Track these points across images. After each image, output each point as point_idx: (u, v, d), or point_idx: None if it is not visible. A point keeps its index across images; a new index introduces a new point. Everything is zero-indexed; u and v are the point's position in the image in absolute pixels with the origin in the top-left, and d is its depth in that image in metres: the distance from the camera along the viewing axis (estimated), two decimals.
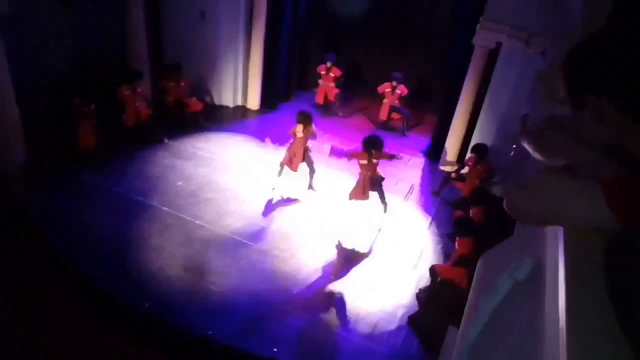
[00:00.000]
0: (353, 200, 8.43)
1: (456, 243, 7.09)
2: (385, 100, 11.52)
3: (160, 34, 11.20)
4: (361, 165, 8.28)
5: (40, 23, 9.09)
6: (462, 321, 2.05)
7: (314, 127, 8.92)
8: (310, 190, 9.15)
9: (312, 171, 9.07)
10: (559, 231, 1.30)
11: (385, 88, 11.44)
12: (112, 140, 9.55)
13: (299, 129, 8.65)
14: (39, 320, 6.47)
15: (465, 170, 9.32)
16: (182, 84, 10.50)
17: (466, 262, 6.82)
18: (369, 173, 8.26)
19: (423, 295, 7.24)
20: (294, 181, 9.12)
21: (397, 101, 11.48)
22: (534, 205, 1.26)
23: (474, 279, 2.18)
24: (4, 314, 6.52)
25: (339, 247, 8.07)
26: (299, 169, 8.95)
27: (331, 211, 8.78)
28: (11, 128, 8.23)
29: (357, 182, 8.38)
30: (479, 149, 8.82)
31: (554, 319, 1.10)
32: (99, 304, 6.78)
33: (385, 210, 8.66)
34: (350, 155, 8.42)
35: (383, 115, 11.65)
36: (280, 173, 9.00)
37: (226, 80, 11.55)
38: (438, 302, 7.06)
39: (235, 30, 11.01)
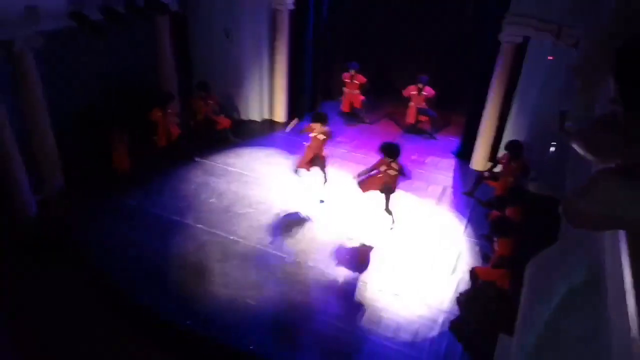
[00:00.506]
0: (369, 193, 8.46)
1: (495, 244, 6.93)
2: (411, 103, 11.42)
3: (187, 54, 11.45)
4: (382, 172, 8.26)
5: (73, 52, 9.43)
6: (516, 331, 1.99)
7: (328, 128, 8.98)
8: (321, 193, 9.25)
9: (324, 175, 9.14)
10: (619, 233, 1.24)
11: (411, 91, 11.35)
12: (146, 162, 9.76)
13: (315, 127, 8.78)
14: (83, 339, 6.64)
15: (498, 168, 9.12)
16: (210, 102, 10.68)
17: (506, 263, 6.67)
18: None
19: (464, 300, 7.10)
20: (328, 191, 9.12)
21: (423, 103, 11.37)
22: (594, 211, 1.21)
23: (524, 286, 2.11)
24: (51, 333, 6.71)
25: (375, 254, 8.00)
26: (312, 168, 9.09)
27: (364, 220, 8.72)
28: (49, 156, 8.54)
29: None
30: (513, 146, 8.59)
31: (622, 328, 1.04)
32: (142, 323, 6.90)
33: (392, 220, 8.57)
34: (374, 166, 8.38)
35: (410, 118, 11.56)
36: (297, 173, 9.15)
37: (252, 95, 11.69)
38: (480, 306, 6.92)
39: (259, 46, 11.15)
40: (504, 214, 7.67)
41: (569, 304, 1.48)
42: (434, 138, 11.59)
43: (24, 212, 8.26)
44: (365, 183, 8.36)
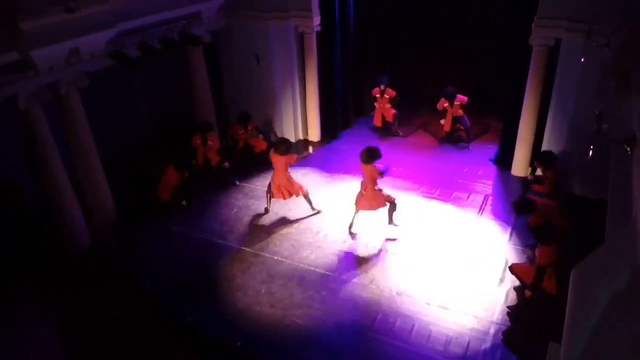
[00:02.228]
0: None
1: (536, 251, 6.75)
2: (447, 113, 11.41)
3: (220, 82, 11.84)
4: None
5: (115, 88, 9.95)
6: (563, 339, 1.98)
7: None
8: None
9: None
10: None
11: (443, 104, 11.35)
12: (188, 189, 10.10)
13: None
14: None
15: (538, 171, 8.98)
16: (250, 127, 11.05)
17: (545, 271, 6.48)
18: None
19: (514, 310, 6.94)
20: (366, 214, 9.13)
21: (460, 111, 11.36)
22: None
23: (569, 292, 2.11)
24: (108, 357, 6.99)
25: (419, 268, 7.94)
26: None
27: (407, 234, 8.70)
28: (100, 188, 8.95)
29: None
30: (542, 157, 8.74)
31: None
32: (195, 345, 7.08)
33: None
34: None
35: (447, 126, 11.54)
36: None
37: (286, 117, 11.92)
38: (530, 315, 6.75)
39: (289, 68, 11.42)
40: (547, 221, 7.48)
41: (613, 310, 1.48)
42: (468, 148, 11.47)
43: (77, 243, 8.66)
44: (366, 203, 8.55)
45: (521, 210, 7.39)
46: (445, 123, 11.52)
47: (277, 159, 8.92)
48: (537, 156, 8.93)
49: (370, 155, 8.29)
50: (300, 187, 9.23)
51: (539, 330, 6.37)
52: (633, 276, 1.47)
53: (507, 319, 6.89)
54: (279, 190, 9.10)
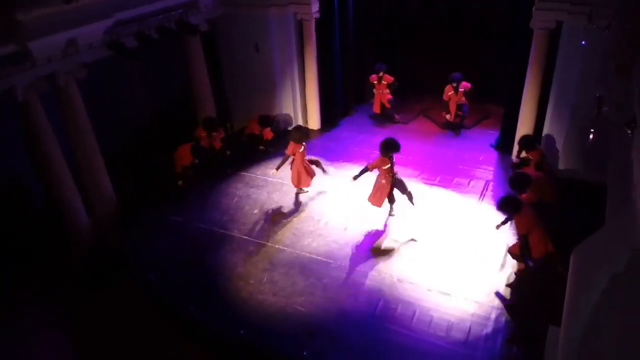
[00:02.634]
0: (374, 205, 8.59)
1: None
2: (451, 102, 11.27)
3: (219, 71, 11.77)
4: (384, 171, 8.35)
5: (114, 78, 9.92)
6: (563, 321, 1.99)
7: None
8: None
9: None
10: None
11: (448, 92, 11.22)
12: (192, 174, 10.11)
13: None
14: (142, 352, 6.97)
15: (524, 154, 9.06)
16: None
17: (527, 240, 6.83)
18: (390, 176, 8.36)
19: (512, 292, 7.02)
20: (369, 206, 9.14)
21: (463, 98, 11.21)
22: None
23: (569, 275, 2.11)
24: (112, 349, 7.04)
25: (421, 254, 7.96)
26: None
27: (407, 221, 8.70)
28: (101, 180, 8.96)
29: (379, 188, 8.45)
30: (524, 141, 8.84)
31: None
32: (197, 334, 7.13)
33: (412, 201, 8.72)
34: (371, 167, 8.47)
35: (452, 116, 11.40)
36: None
37: (286, 105, 11.88)
38: (529, 296, 6.83)
39: (288, 56, 11.35)
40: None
41: (613, 292, 1.48)
42: (459, 134, 11.45)
43: (80, 236, 8.68)
44: (376, 197, 8.52)
45: (518, 185, 7.49)
46: (451, 114, 11.34)
47: (289, 146, 9.20)
48: (519, 141, 9.11)
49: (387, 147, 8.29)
50: (306, 182, 9.36)
51: (537, 312, 6.45)
52: (632, 258, 1.47)
53: (506, 301, 6.93)
54: (292, 176, 9.38)
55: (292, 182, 9.43)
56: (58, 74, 7.73)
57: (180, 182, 9.88)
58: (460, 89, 11.09)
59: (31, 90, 7.41)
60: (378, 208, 8.62)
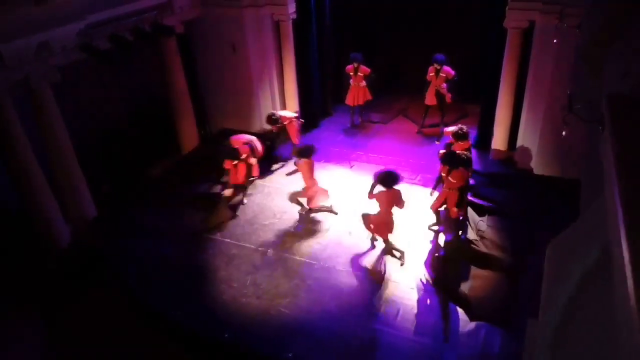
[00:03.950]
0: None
1: (451, 177, 7.75)
2: (430, 85, 10.86)
3: (195, 73, 11.67)
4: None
5: (89, 80, 9.77)
6: (540, 313, 2.03)
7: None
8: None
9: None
10: (620, 212, 1.28)
11: (430, 72, 10.84)
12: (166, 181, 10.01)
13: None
14: (125, 356, 6.87)
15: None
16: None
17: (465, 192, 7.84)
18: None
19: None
20: (347, 198, 9.19)
21: (443, 84, 10.76)
22: None
23: (545, 268, 2.15)
24: (86, 348, 6.95)
25: (401, 255, 8.01)
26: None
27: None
28: (77, 184, 8.80)
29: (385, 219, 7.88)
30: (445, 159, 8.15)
31: (626, 308, 1.08)
32: (181, 338, 7.06)
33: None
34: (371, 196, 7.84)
35: (429, 100, 10.99)
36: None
37: (265, 107, 11.83)
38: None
39: (266, 58, 11.33)
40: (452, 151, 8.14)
41: (585, 284, 1.52)
42: (438, 141, 11.00)
43: (56, 241, 8.52)
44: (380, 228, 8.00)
45: (449, 162, 7.83)
46: (428, 96, 10.94)
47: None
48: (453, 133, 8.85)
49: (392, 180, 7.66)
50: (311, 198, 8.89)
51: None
52: (602, 251, 1.51)
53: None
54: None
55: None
56: (31, 77, 7.57)
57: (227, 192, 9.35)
58: (441, 74, 10.64)
59: (3, 93, 7.24)
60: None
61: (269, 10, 10.78)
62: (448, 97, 10.84)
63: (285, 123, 10.32)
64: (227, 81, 11.53)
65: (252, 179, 9.76)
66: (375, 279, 7.61)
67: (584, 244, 1.63)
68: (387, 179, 7.56)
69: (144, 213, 9.40)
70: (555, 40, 7.43)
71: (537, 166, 9.60)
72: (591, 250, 1.57)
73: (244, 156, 9.14)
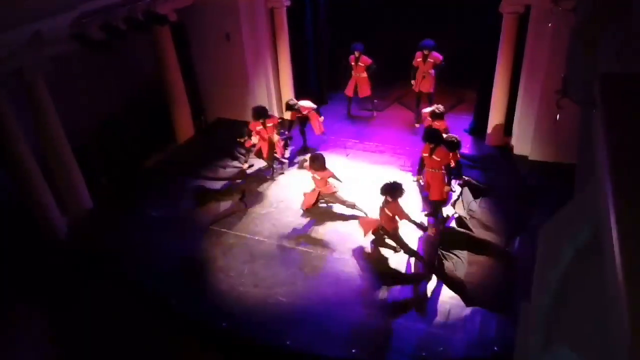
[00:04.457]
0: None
1: (436, 154, 7.95)
2: (418, 71, 10.75)
3: (189, 62, 11.60)
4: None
5: (83, 69, 9.69)
6: (532, 294, 2.04)
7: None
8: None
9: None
10: (609, 192, 1.28)
11: (417, 58, 10.78)
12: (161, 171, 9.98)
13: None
14: (127, 346, 6.88)
15: None
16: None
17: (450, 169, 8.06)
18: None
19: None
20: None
21: (431, 70, 10.65)
22: None
23: (537, 251, 2.16)
24: (98, 347, 6.96)
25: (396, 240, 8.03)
26: None
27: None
28: (73, 176, 8.77)
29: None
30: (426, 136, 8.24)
31: (615, 285, 1.09)
32: (181, 327, 7.08)
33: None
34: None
35: (416, 86, 10.89)
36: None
37: (260, 96, 11.76)
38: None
39: (261, 46, 11.25)
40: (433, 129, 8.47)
41: (576, 265, 1.52)
42: (417, 124, 10.94)
43: (53, 234, 8.51)
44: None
45: (430, 138, 8.02)
46: (415, 83, 10.84)
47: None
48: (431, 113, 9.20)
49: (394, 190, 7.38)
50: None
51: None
52: (594, 231, 1.51)
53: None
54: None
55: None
56: (24, 69, 7.51)
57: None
58: (429, 59, 10.56)
59: None
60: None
61: None
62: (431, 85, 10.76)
63: (305, 113, 10.24)
64: (221, 70, 11.46)
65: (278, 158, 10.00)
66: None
67: (576, 225, 1.63)
68: (392, 189, 7.32)
69: (140, 203, 9.37)
70: (550, 25, 7.39)
71: (533, 151, 9.60)
72: (583, 230, 1.57)
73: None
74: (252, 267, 7.77)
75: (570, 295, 1.53)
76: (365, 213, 8.48)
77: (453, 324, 6.59)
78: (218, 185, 9.83)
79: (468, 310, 6.74)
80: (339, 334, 6.56)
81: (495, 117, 10.09)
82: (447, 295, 7.00)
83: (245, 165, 10.20)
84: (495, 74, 9.63)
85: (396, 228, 7.49)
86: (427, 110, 9.13)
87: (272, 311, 7.01)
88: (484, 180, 9.21)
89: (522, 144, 9.77)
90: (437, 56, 10.60)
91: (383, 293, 7.14)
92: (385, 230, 7.59)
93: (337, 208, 8.85)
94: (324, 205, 8.98)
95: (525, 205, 8.40)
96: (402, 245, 7.56)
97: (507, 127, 10.10)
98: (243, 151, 10.52)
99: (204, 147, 11.05)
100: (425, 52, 10.58)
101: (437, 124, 8.87)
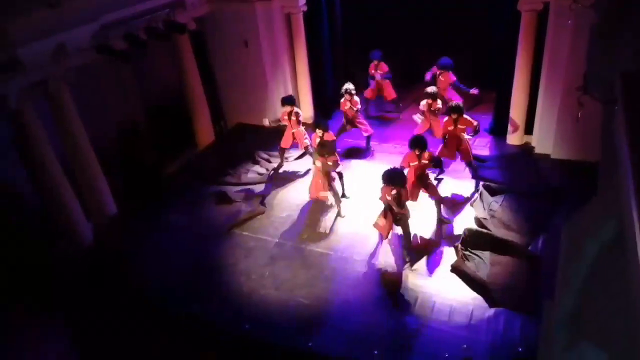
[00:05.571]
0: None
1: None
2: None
3: (210, 67, 11.77)
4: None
5: (105, 82, 9.91)
6: (556, 292, 2.03)
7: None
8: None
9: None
10: (632, 190, 1.28)
11: (430, 75, 10.82)
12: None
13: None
14: (148, 351, 6.99)
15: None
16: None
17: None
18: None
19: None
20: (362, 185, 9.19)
21: (448, 88, 10.61)
22: None
23: (562, 248, 2.15)
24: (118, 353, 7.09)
25: (416, 241, 8.00)
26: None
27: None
28: (97, 183, 8.96)
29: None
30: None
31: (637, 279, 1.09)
32: (202, 332, 7.17)
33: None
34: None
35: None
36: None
37: (278, 100, 11.82)
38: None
39: (278, 52, 11.35)
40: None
41: (600, 262, 1.51)
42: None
43: (79, 240, 8.69)
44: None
45: (418, 144, 8.04)
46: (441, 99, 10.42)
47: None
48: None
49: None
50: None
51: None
52: (617, 228, 1.51)
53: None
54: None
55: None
56: (49, 80, 7.72)
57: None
58: (440, 78, 10.54)
59: (23, 96, 7.40)
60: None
61: (279, 3, 10.79)
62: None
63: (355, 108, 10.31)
64: (240, 76, 11.60)
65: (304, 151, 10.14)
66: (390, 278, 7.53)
67: (600, 223, 1.63)
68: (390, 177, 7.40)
69: (162, 209, 9.52)
70: (569, 22, 7.30)
71: (555, 150, 9.47)
72: (606, 227, 1.56)
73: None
74: (273, 270, 7.82)
75: (594, 293, 1.53)
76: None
77: (476, 325, 6.53)
78: (239, 189, 9.92)
79: (491, 311, 6.68)
80: (360, 336, 6.55)
81: (516, 116, 9.98)
82: (470, 297, 6.94)
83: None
84: (514, 72, 9.53)
85: (405, 215, 7.52)
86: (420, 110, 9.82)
87: (293, 314, 7.04)
88: (504, 179, 9.13)
89: (544, 142, 9.65)
90: (450, 77, 10.52)
91: (405, 295, 7.11)
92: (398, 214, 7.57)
93: (360, 211, 8.84)
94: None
95: (547, 204, 8.30)
96: (407, 235, 7.64)
97: (527, 126, 9.99)
98: (265, 156, 10.63)
99: (225, 152, 11.17)
100: (438, 71, 10.57)
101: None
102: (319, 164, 8.50)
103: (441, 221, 8.31)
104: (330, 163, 8.46)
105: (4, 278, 7.98)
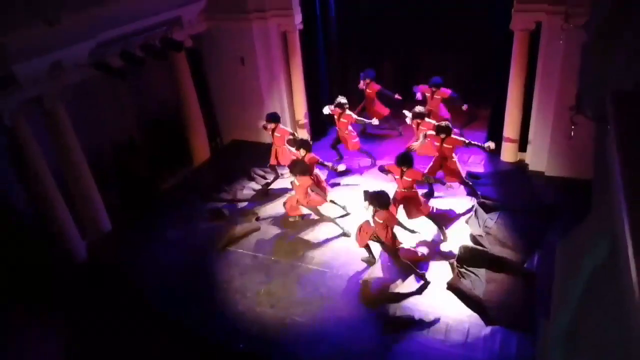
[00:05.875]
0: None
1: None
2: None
3: (206, 84, 11.83)
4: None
5: (102, 98, 9.93)
6: (552, 310, 2.03)
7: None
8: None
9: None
10: (624, 207, 1.29)
11: (425, 93, 10.84)
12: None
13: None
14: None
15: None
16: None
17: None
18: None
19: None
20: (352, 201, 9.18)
21: (439, 105, 10.70)
22: None
23: (556, 267, 2.15)
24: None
25: (413, 258, 7.98)
26: None
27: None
28: (92, 199, 8.93)
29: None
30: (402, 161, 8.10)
31: (631, 298, 1.09)
32: (196, 350, 7.07)
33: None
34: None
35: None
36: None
37: None
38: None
39: (274, 69, 11.43)
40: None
41: (595, 280, 1.52)
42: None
43: (73, 257, 8.62)
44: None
45: (406, 161, 7.92)
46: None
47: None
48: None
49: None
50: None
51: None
52: (611, 246, 1.51)
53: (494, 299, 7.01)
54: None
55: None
56: (44, 96, 7.73)
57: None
58: (436, 96, 10.63)
59: (18, 113, 7.40)
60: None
61: (276, 21, 10.90)
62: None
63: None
64: (236, 93, 11.66)
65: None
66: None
67: (594, 240, 1.64)
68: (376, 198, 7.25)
69: (157, 225, 9.48)
70: (561, 41, 7.41)
71: (549, 167, 9.54)
72: (601, 244, 1.57)
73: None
74: (268, 288, 7.77)
75: (589, 310, 1.53)
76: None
77: (472, 344, 6.48)
78: (234, 206, 9.90)
79: (488, 329, 6.64)
80: (357, 354, 6.50)
81: (510, 134, 10.06)
82: (466, 314, 6.91)
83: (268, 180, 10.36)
84: (508, 90, 9.64)
85: (390, 238, 7.35)
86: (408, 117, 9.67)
87: (289, 332, 6.98)
88: (499, 196, 9.16)
89: (538, 160, 9.73)
90: (444, 92, 10.57)
91: (400, 312, 7.07)
92: (378, 239, 7.53)
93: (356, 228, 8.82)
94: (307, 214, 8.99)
95: (542, 221, 8.32)
96: (395, 257, 7.53)
97: (521, 143, 10.06)
98: (261, 172, 10.65)
99: (221, 168, 11.17)
100: (433, 89, 10.61)
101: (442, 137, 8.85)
102: (296, 182, 8.49)
103: (441, 228, 8.36)
104: (298, 184, 8.41)
105: (4, 278, 7.91)
